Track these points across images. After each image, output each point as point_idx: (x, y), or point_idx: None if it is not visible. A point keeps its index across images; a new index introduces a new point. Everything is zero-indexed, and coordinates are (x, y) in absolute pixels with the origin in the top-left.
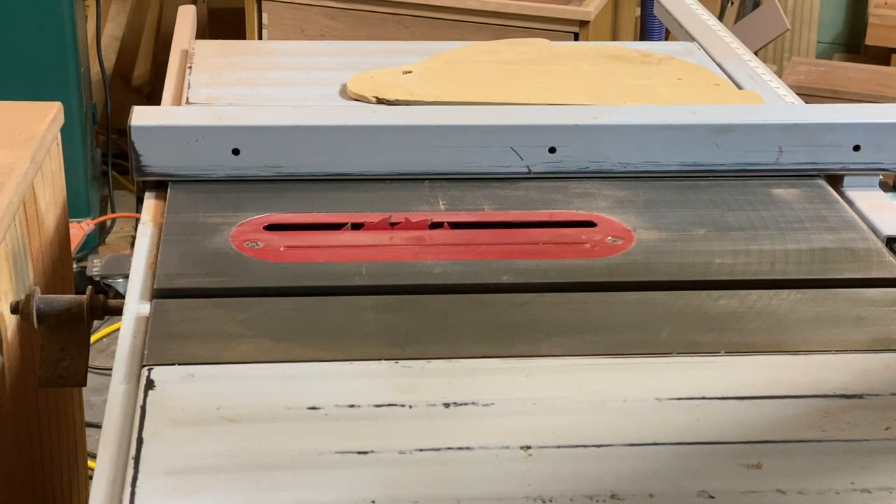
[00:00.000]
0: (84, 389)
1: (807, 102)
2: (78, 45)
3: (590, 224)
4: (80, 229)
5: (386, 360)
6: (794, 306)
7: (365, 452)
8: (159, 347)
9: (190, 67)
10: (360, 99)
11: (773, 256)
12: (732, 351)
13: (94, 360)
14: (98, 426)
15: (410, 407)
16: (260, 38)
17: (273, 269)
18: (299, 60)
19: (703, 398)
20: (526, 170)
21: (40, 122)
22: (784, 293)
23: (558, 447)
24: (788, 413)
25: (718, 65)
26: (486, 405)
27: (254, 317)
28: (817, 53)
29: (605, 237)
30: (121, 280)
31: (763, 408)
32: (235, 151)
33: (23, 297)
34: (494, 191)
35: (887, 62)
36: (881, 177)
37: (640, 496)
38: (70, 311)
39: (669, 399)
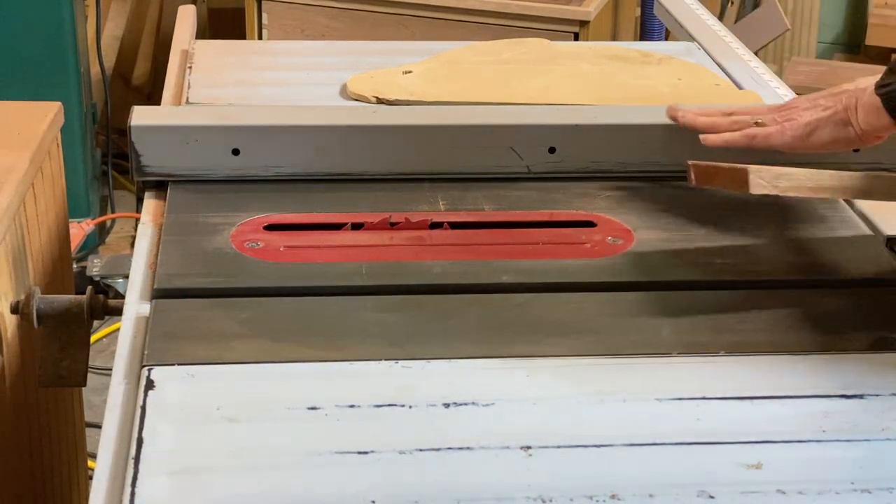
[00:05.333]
0: (84, 389)
1: None
2: (78, 45)
3: (590, 224)
4: (80, 229)
5: (386, 360)
6: (794, 306)
7: (365, 452)
8: (159, 347)
9: (190, 67)
10: (360, 99)
11: (772, 256)
12: (732, 351)
13: (94, 360)
14: (98, 426)
15: (410, 407)
16: (260, 38)
17: (273, 269)
18: (299, 60)
19: (703, 398)
20: (526, 170)
21: (40, 122)
22: (783, 293)
23: (558, 447)
24: (788, 413)
25: (718, 65)
26: (486, 405)
27: (254, 317)
28: (817, 53)
29: (605, 237)
30: (121, 280)
31: (763, 408)
32: (235, 151)
33: (23, 297)
34: (494, 191)
35: (887, 62)
36: None
37: (640, 496)
38: (70, 311)
39: (669, 399)
